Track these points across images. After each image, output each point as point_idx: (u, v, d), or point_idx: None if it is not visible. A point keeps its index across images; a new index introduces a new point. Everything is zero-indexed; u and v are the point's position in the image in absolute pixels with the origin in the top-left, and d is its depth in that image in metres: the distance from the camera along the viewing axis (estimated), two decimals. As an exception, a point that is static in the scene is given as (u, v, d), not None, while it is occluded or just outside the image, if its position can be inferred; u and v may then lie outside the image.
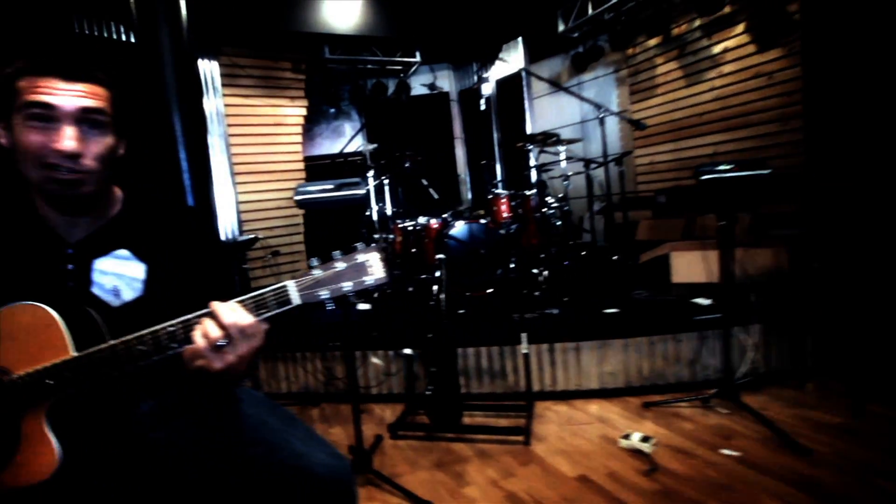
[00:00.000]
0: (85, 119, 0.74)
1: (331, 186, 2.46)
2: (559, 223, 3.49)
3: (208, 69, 3.55)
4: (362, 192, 2.73)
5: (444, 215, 3.29)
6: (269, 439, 0.81)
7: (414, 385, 2.32)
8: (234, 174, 3.71)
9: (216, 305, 0.69)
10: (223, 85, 3.76)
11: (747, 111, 3.56)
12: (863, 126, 2.54)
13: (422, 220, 3.31)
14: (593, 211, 3.97)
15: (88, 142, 0.74)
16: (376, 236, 3.54)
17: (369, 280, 0.73)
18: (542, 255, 3.23)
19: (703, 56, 3.85)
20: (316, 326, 2.53)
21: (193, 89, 2.94)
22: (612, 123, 4.60)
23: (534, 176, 3.47)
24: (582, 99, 3.67)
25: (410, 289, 3.26)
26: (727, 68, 3.69)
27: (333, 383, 2.42)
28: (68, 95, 0.72)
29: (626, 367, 2.18)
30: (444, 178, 4.06)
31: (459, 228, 3.03)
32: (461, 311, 2.72)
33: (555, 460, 1.77)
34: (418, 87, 5.36)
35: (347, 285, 0.73)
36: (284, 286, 0.72)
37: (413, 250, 3.34)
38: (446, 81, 5.73)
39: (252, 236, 3.12)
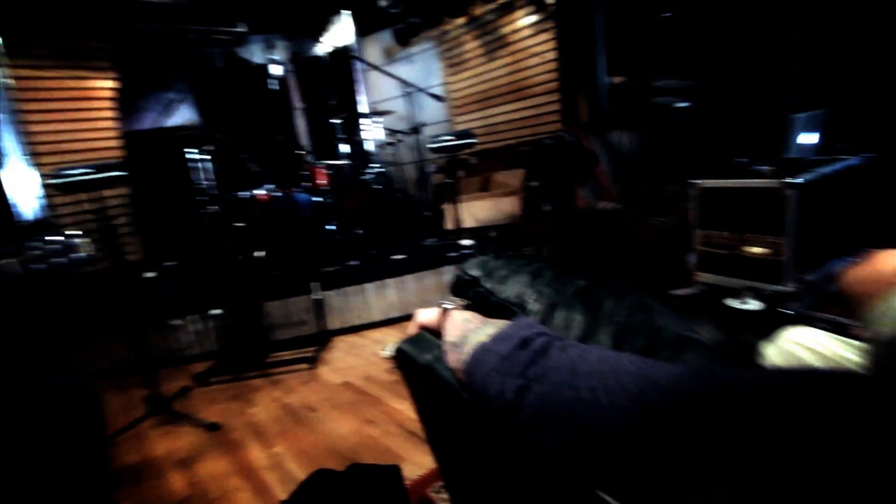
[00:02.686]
0: None
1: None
2: (379, 187, 3.86)
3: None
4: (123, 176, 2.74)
5: (269, 186, 3.45)
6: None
7: (226, 340, 2.57)
8: (32, 154, 3.42)
9: None
10: (8, 55, 3.39)
11: (529, 84, 4.17)
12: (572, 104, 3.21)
13: (249, 192, 3.43)
14: (427, 173, 4.40)
15: None
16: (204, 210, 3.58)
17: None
18: (362, 217, 3.58)
19: (497, 35, 4.36)
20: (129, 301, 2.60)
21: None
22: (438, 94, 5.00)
23: (345, 147, 3.74)
24: (388, 75, 3.97)
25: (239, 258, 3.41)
26: (514, 48, 4.24)
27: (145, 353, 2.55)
28: None
29: (402, 299, 2.65)
30: (282, 149, 4.13)
31: (287, 197, 3.24)
32: (278, 271, 2.98)
33: (330, 376, 2.18)
34: (252, 56, 5.21)
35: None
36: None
37: (241, 222, 3.47)
38: (281, 52, 5.63)
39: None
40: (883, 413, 0.24)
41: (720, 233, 1.93)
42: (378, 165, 3.86)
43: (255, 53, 5.16)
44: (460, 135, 2.29)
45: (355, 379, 2.11)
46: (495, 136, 4.45)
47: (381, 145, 4.12)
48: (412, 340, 0.64)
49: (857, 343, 0.70)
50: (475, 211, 2.91)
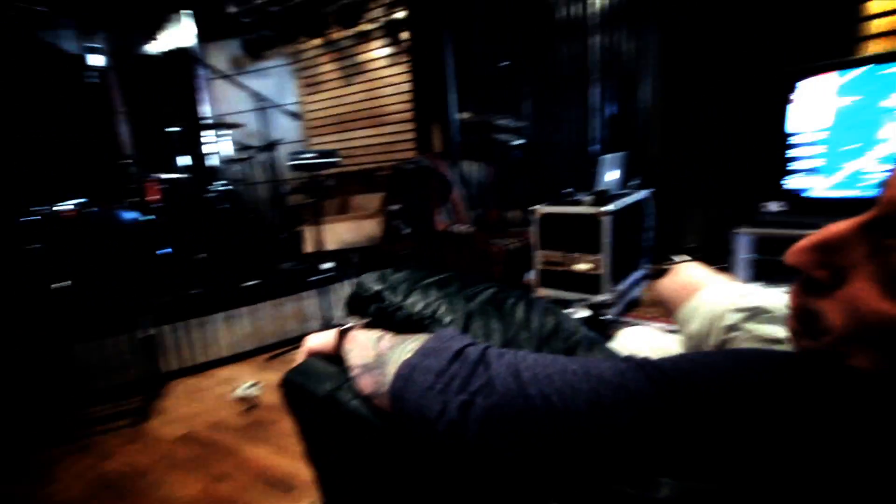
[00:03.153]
0: None
1: None
2: (227, 206, 3.48)
3: None
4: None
5: (81, 201, 2.82)
6: None
7: (9, 398, 1.98)
8: None
9: None
10: None
11: (385, 112, 4.27)
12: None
13: (49, 207, 2.75)
14: (283, 192, 4.10)
15: None
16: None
17: None
18: (206, 238, 3.17)
19: (355, 62, 4.38)
20: None
21: None
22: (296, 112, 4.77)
23: (185, 160, 3.31)
24: (239, 86, 3.67)
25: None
26: (371, 75, 4.31)
27: None
28: None
29: (256, 330, 2.40)
30: (99, 156, 3.42)
31: (105, 213, 2.67)
32: (91, 305, 2.43)
33: (164, 430, 1.84)
34: (62, 43, 4.28)
35: None
36: None
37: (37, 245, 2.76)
38: (102, 43, 4.76)
39: None
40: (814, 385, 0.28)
41: (555, 252, 2.22)
42: (224, 183, 3.49)
43: (66, 40, 4.24)
44: (323, 153, 2.22)
45: (200, 428, 1.82)
46: (353, 160, 4.42)
47: (228, 161, 3.74)
48: (301, 370, 0.58)
49: (675, 336, 0.85)
50: (338, 233, 2.83)
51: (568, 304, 2.10)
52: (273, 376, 2.20)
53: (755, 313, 0.70)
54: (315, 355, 0.61)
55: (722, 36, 3.06)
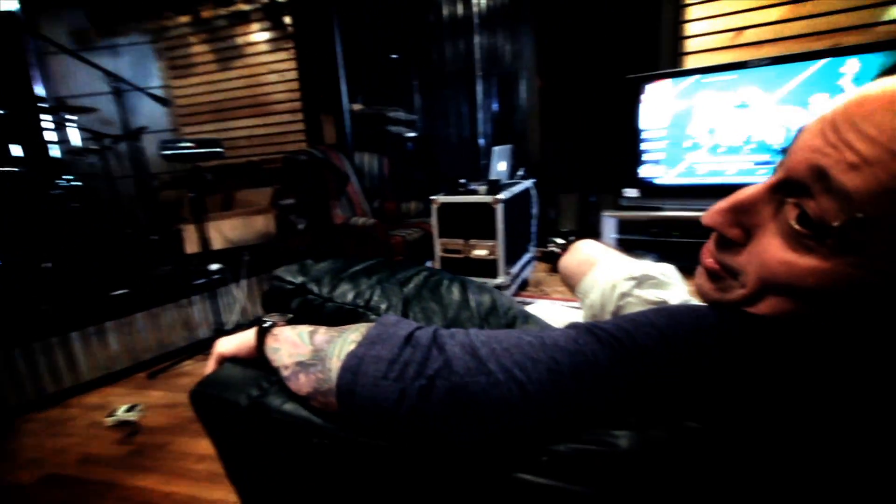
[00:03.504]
0: None
1: None
2: (76, 205, 2.95)
3: None
4: None
5: None
6: None
7: None
8: None
9: None
10: None
11: (270, 101, 3.98)
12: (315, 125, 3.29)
13: None
14: (154, 187, 3.60)
15: None
16: None
17: None
18: (50, 244, 2.65)
19: (230, 45, 4.00)
20: None
21: None
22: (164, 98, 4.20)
23: (16, 150, 2.73)
24: (90, 64, 3.12)
25: None
26: (250, 60, 3.97)
27: None
28: None
29: (131, 344, 2.11)
30: None
31: None
32: None
33: (19, 475, 1.53)
34: None
35: None
36: None
37: None
38: None
39: None
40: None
41: (454, 240, 2.31)
42: (73, 178, 2.96)
43: None
44: (203, 142, 1.99)
45: (64, 467, 1.54)
46: (235, 152, 4.06)
47: (76, 152, 3.16)
48: (214, 380, 0.52)
49: (573, 309, 0.95)
50: (225, 231, 2.58)
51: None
52: (158, 395, 1.95)
53: (642, 281, 0.83)
54: (229, 361, 0.56)
55: (586, 44, 3.43)
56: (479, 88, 3.68)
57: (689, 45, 2.89)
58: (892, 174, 0.26)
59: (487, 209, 2.19)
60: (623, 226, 3.03)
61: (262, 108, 4.00)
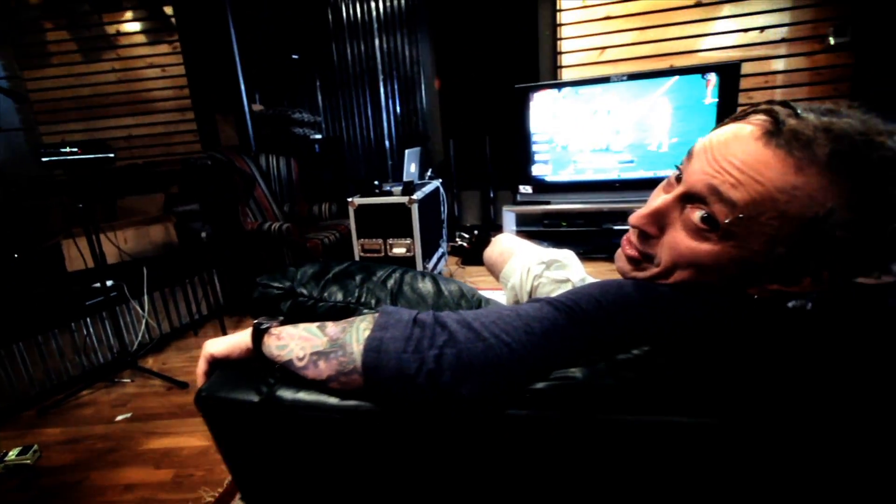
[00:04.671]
0: None
1: None
2: None
3: None
4: None
5: None
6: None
7: None
8: None
9: None
10: None
11: (150, 98, 3.58)
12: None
13: None
14: (12, 197, 3.00)
15: None
16: None
17: None
18: None
19: (97, 34, 3.49)
20: None
21: None
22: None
23: None
24: None
25: None
26: (124, 52, 3.52)
27: None
28: None
29: (10, 381, 1.81)
30: None
31: None
32: None
33: None
34: None
35: None
36: None
37: None
38: None
39: None
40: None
41: (373, 240, 2.37)
42: None
43: None
44: (89, 145, 1.76)
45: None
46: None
47: None
48: (218, 383, 0.54)
49: (497, 293, 1.09)
50: (119, 243, 2.31)
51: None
52: (54, 432, 1.71)
53: (550, 264, 1.01)
54: (219, 363, 0.58)
55: (478, 52, 3.68)
56: (382, 90, 3.73)
57: (565, 59, 3.28)
58: (757, 191, 0.41)
59: (403, 209, 2.29)
60: (520, 219, 3.35)
61: (142, 105, 3.58)
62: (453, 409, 0.44)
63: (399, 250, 2.34)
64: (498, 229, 3.57)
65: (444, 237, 3.08)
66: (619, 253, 0.56)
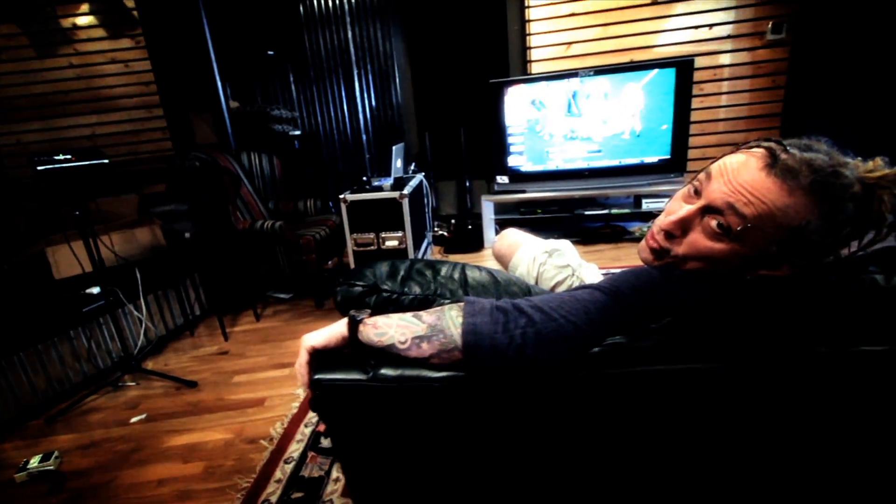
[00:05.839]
0: None
1: None
2: None
3: None
4: None
5: None
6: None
7: None
8: None
9: None
10: None
11: (114, 95, 3.43)
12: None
13: None
14: None
15: None
16: None
17: None
18: None
19: (52, 28, 3.30)
20: None
21: None
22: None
23: None
24: None
25: None
26: (82, 47, 3.35)
27: None
28: None
29: (13, 390, 1.79)
30: None
31: None
32: None
33: None
34: None
35: None
36: None
37: None
38: None
39: None
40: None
41: (366, 234, 2.45)
42: None
43: None
44: (82, 153, 1.73)
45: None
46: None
47: None
48: (328, 369, 0.63)
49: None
50: (111, 246, 2.27)
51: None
52: (68, 439, 1.71)
53: (552, 253, 1.16)
54: (317, 353, 0.66)
55: (451, 45, 3.76)
56: (357, 85, 3.75)
57: (534, 54, 3.43)
58: (762, 209, 0.56)
59: (395, 204, 2.38)
60: (498, 207, 3.51)
61: (106, 102, 3.43)
62: (535, 374, 0.58)
63: (391, 243, 2.44)
64: (475, 218, 3.72)
65: (429, 227, 3.19)
66: (642, 245, 0.71)
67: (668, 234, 0.66)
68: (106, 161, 1.82)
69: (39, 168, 1.63)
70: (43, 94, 3.37)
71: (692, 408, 0.62)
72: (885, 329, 0.59)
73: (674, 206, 0.67)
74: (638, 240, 3.35)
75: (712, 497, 0.69)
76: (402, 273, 0.74)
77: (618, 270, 0.69)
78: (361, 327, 0.65)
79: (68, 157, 1.71)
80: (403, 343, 0.61)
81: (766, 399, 0.60)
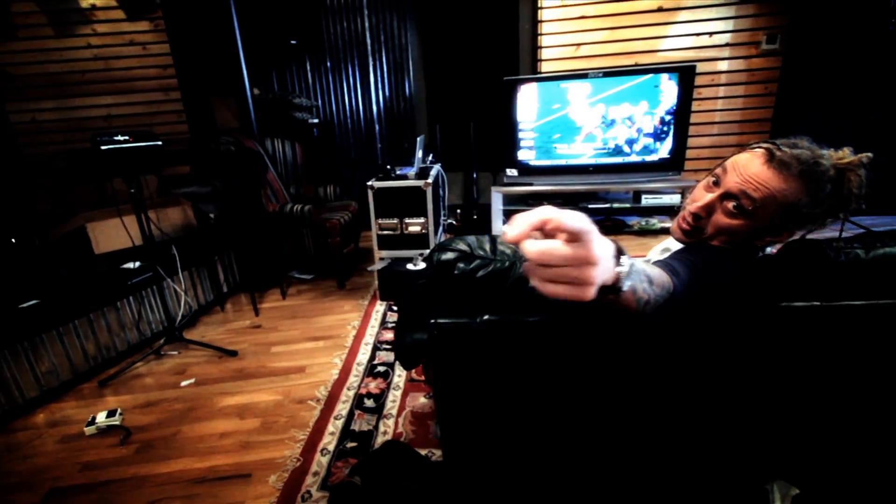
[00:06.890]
0: None
1: None
2: None
3: None
4: None
5: None
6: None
7: None
8: None
9: None
10: None
11: (131, 77, 3.50)
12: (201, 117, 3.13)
13: None
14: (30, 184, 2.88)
15: None
16: None
17: None
18: None
19: (70, 7, 3.34)
20: None
21: None
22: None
23: None
24: None
25: None
26: (101, 28, 3.41)
27: None
28: None
29: (68, 356, 1.92)
30: None
31: None
32: None
33: (17, 500, 1.41)
34: None
35: None
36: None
37: None
38: None
39: None
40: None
41: (390, 220, 2.62)
42: None
43: None
44: (139, 135, 1.86)
45: (65, 481, 1.47)
46: (84, 135, 3.49)
47: None
48: (441, 314, 0.85)
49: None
50: (136, 226, 2.39)
51: (409, 259, 2.56)
52: (124, 399, 1.86)
53: None
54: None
55: (464, 42, 3.92)
56: (372, 76, 3.89)
57: (545, 53, 3.62)
58: (766, 193, 0.75)
59: (419, 192, 2.56)
60: (506, 198, 3.71)
61: (122, 84, 3.50)
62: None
63: (414, 228, 2.62)
64: (481, 208, 3.91)
65: (444, 214, 3.37)
66: (674, 227, 0.91)
67: (696, 216, 0.85)
68: (160, 143, 1.95)
69: (103, 147, 1.75)
70: (59, 73, 3.42)
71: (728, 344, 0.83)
72: (864, 288, 0.82)
73: (697, 194, 0.87)
74: (637, 233, 3.61)
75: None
76: (488, 244, 0.94)
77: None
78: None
79: (126, 137, 1.83)
80: (618, 268, 0.50)
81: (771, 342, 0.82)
